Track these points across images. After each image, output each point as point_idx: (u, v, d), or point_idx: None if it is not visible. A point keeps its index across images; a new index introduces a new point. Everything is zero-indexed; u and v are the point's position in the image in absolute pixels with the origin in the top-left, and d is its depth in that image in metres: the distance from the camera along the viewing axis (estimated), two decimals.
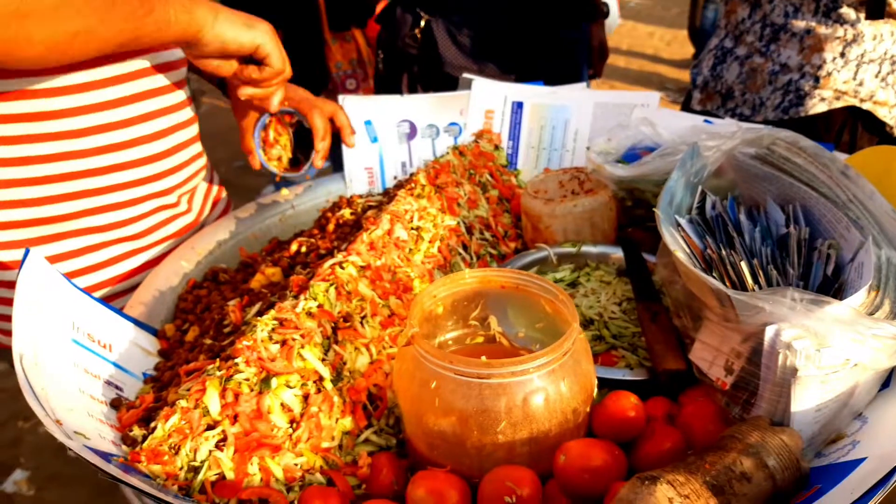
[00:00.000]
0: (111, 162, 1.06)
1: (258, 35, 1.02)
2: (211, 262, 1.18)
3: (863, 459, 0.64)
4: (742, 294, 0.70)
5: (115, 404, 0.82)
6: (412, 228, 1.05)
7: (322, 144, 1.21)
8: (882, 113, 1.54)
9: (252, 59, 1.06)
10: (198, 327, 0.99)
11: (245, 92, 1.09)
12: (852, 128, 1.55)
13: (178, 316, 1.07)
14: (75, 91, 1.01)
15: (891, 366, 0.70)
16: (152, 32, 0.89)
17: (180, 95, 1.16)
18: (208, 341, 0.92)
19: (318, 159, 1.21)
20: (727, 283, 0.79)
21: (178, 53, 1.14)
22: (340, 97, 1.34)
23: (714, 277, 0.77)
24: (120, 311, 0.97)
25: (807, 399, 0.68)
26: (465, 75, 1.43)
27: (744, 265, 0.81)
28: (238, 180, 3.92)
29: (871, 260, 0.78)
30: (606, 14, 2.26)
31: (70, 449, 0.62)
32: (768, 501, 0.63)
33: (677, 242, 0.83)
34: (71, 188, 1.04)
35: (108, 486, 2.20)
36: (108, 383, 0.85)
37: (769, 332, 0.68)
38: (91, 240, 1.08)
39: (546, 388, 0.70)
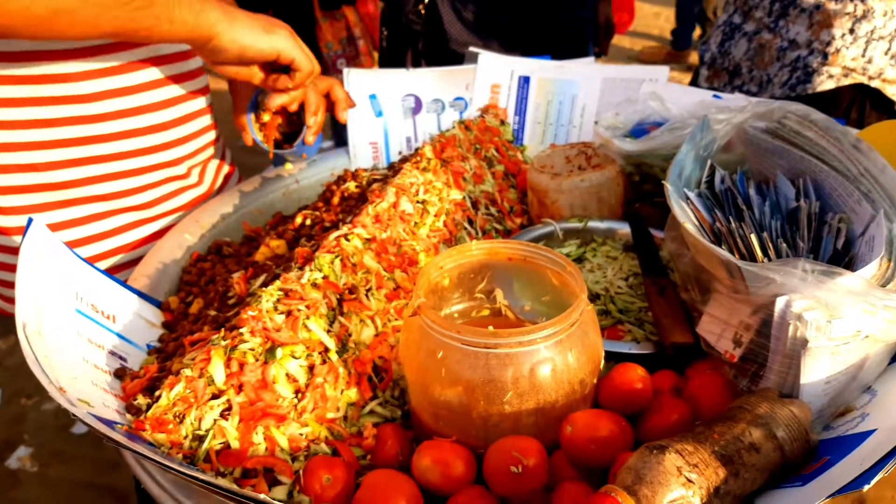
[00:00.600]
0: (118, 129, 1.05)
1: (278, 40, 0.98)
2: (215, 235, 1.17)
3: (872, 432, 0.63)
4: (752, 265, 0.70)
5: (119, 374, 0.82)
6: (418, 202, 1.04)
7: (314, 119, 1.16)
8: (891, 91, 1.52)
9: (274, 64, 1.03)
10: (202, 299, 0.99)
11: (276, 102, 1.07)
12: (860, 105, 1.53)
13: (181, 288, 1.06)
14: (85, 56, 0.99)
15: None
16: (151, 27, 0.86)
17: (191, 65, 1.14)
18: (213, 313, 0.91)
19: (310, 135, 1.17)
20: (736, 256, 0.78)
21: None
22: (345, 70, 1.33)
23: (724, 250, 0.76)
24: (124, 283, 0.96)
25: (816, 371, 0.67)
26: (472, 49, 1.41)
27: (753, 238, 0.80)
28: (242, 160, 3.89)
29: (883, 233, 0.77)
30: None
31: (74, 415, 0.62)
32: (777, 472, 0.63)
33: (686, 215, 0.82)
34: (77, 154, 1.03)
35: (111, 463, 2.22)
36: (112, 353, 0.84)
37: (779, 304, 0.68)
38: (97, 208, 1.08)
39: (553, 358, 0.69)
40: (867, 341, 0.67)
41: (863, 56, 1.49)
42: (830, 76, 1.51)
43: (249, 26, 0.95)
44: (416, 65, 2.03)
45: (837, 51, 1.49)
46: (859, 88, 1.52)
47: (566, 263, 0.78)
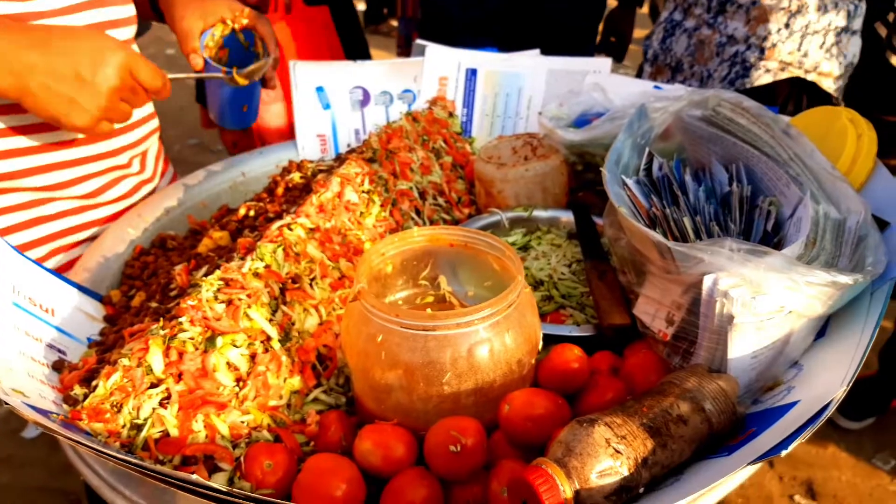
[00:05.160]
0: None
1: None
2: (158, 228, 1.16)
3: (795, 403, 0.66)
4: (682, 245, 0.72)
5: (58, 367, 0.80)
6: (363, 192, 1.05)
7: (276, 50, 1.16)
8: (826, 84, 1.57)
9: None
10: (144, 293, 0.98)
11: None
12: (797, 99, 1.59)
13: (123, 282, 1.05)
14: None
15: (824, 312, 0.72)
16: None
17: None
18: (154, 304, 0.91)
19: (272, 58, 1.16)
20: (670, 238, 0.81)
21: (126, 11, 1.10)
22: (291, 62, 1.32)
23: (657, 233, 0.79)
24: (63, 277, 0.94)
25: (743, 345, 0.70)
26: (419, 41, 1.42)
27: (686, 221, 0.83)
28: (193, 158, 3.84)
29: (809, 214, 0.80)
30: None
31: (6, 404, 0.61)
32: (705, 443, 0.65)
33: (622, 199, 0.84)
34: (12, 144, 1.00)
35: (63, 466, 2.17)
36: (51, 346, 0.83)
37: (707, 282, 0.70)
38: (33, 196, 1.05)
39: (490, 339, 0.70)
40: (791, 316, 0.70)
41: (798, 50, 1.54)
42: (768, 70, 1.56)
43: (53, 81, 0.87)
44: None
45: (774, 45, 1.54)
46: (796, 82, 1.57)
47: (505, 248, 0.79)
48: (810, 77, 1.56)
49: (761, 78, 1.56)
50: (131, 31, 1.12)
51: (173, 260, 1.05)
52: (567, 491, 0.55)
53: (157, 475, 0.55)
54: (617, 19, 2.21)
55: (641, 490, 0.59)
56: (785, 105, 1.60)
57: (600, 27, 2.15)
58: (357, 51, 2.19)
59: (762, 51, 1.54)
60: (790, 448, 0.55)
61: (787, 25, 1.52)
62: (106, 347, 0.85)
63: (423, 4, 2.16)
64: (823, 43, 1.54)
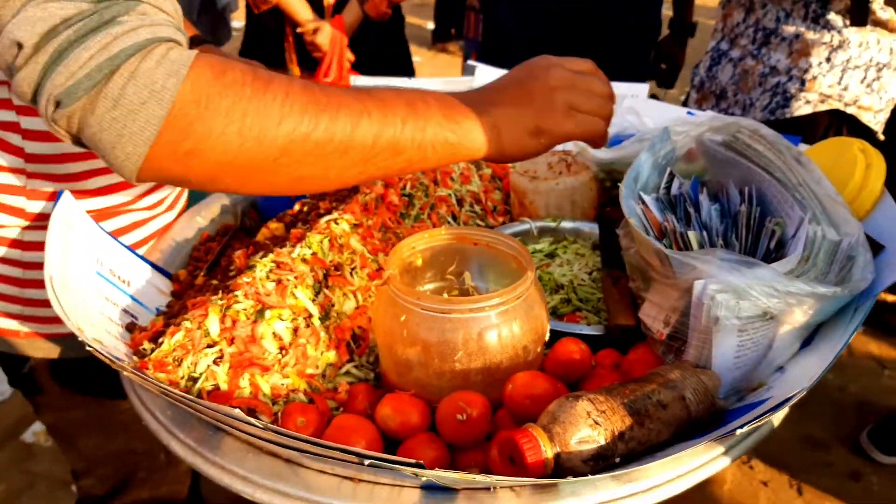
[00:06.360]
0: None
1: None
2: (225, 219, 1.30)
3: (767, 399, 0.73)
4: (678, 253, 0.80)
5: (130, 328, 0.94)
6: (404, 195, 1.16)
7: None
8: (866, 118, 1.61)
9: None
10: (204, 272, 1.11)
11: None
12: (837, 131, 1.63)
13: (190, 263, 1.18)
14: None
15: (806, 322, 0.79)
16: (403, 170, 0.76)
17: None
18: (215, 282, 1.03)
19: None
20: (674, 249, 0.89)
21: None
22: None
23: (664, 244, 0.87)
24: (140, 255, 1.08)
25: (726, 345, 0.77)
26: (470, 62, 1.53)
27: (692, 235, 0.90)
28: None
29: (807, 234, 0.87)
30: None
31: (88, 347, 0.74)
32: (682, 428, 0.72)
33: (633, 211, 0.93)
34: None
35: (121, 428, 2.31)
36: (125, 311, 0.97)
37: (697, 287, 0.78)
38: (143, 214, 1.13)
39: (499, 325, 0.80)
40: (773, 323, 0.77)
41: (839, 83, 1.59)
42: (808, 102, 1.61)
43: (516, 132, 0.80)
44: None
45: (814, 78, 1.59)
46: (835, 114, 1.62)
47: (519, 247, 0.89)
48: (850, 110, 1.60)
49: (801, 109, 1.61)
50: None
51: (234, 246, 1.18)
52: (548, 452, 0.64)
53: (209, 410, 0.66)
54: (668, 46, 2.28)
55: (617, 460, 0.67)
56: (825, 136, 1.64)
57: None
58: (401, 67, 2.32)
59: (803, 83, 1.60)
60: (745, 429, 0.63)
61: (828, 59, 1.57)
62: (171, 315, 0.98)
63: (485, 23, 2.27)
64: (864, 78, 1.58)
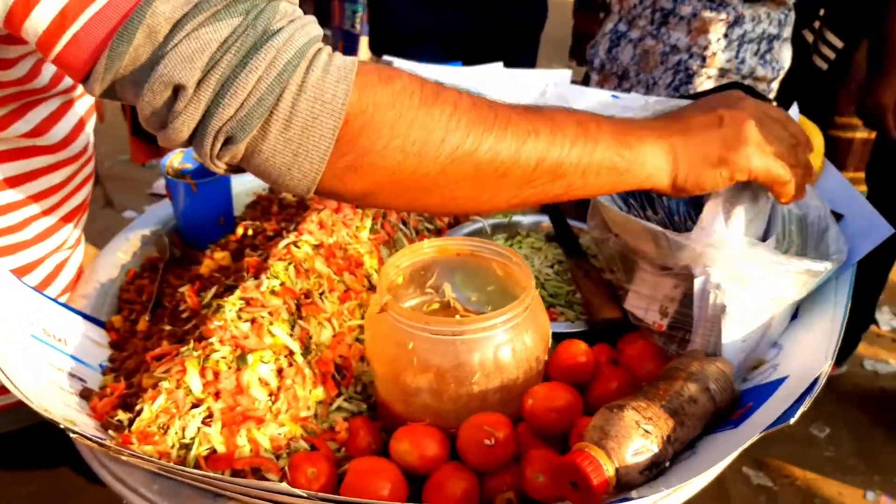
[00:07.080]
0: None
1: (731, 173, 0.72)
2: (147, 252, 1.17)
3: (785, 378, 0.75)
4: (678, 235, 0.79)
5: (85, 395, 0.82)
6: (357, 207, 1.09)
7: None
8: (762, 88, 1.71)
9: None
10: (147, 317, 0.99)
11: None
12: None
13: (122, 307, 1.06)
14: None
15: (801, 297, 0.81)
16: (560, 195, 0.69)
17: None
18: (167, 327, 0.93)
19: None
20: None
21: None
22: None
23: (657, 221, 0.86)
24: (68, 305, 0.95)
25: (734, 331, 0.78)
26: (385, 57, 1.47)
27: (657, 220, 0.91)
28: (126, 174, 3.75)
29: (775, 211, 0.90)
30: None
31: (75, 433, 0.63)
32: (710, 419, 0.73)
33: (611, 199, 0.92)
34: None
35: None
36: (72, 376, 0.85)
37: (699, 278, 0.78)
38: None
39: (512, 340, 0.77)
40: (773, 302, 0.79)
41: (736, 57, 1.67)
42: (709, 77, 1.68)
43: (695, 160, 0.71)
44: None
45: (714, 54, 1.66)
46: (734, 86, 1.70)
47: (511, 254, 0.86)
48: (747, 82, 1.69)
49: (703, 84, 1.68)
50: None
51: (170, 282, 1.07)
52: (609, 469, 0.62)
53: (246, 488, 0.58)
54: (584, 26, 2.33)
55: (668, 464, 0.66)
56: None
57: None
58: None
59: (703, 59, 1.67)
60: (796, 416, 0.63)
61: (725, 35, 1.64)
62: (126, 373, 0.87)
63: (372, 13, 2.20)
64: (758, 50, 1.67)
